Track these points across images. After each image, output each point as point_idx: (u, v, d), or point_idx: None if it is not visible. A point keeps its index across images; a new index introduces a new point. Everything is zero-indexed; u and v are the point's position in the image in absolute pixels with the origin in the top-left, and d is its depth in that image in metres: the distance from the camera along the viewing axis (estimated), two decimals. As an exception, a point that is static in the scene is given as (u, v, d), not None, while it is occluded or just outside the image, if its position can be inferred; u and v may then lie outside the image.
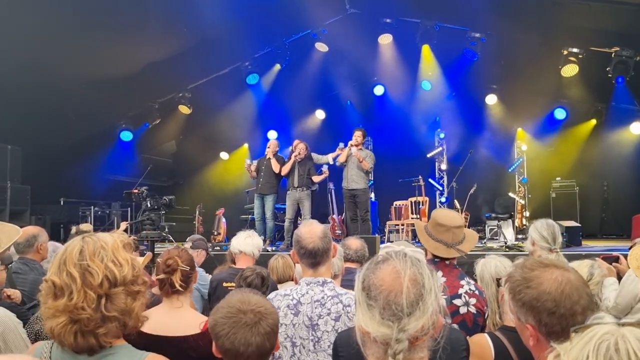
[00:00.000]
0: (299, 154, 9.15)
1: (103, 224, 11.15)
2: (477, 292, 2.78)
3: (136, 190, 9.91)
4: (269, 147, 9.60)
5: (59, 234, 10.34)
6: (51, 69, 9.08)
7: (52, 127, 10.31)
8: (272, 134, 14.07)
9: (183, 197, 13.61)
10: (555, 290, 1.54)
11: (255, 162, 9.61)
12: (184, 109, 12.52)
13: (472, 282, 2.82)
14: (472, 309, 2.71)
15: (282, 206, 10.04)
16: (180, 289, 2.54)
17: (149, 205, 9.65)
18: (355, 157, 8.74)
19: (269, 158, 9.44)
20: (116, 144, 12.32)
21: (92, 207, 11.34)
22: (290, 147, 9.56)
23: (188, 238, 5.91)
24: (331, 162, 9.36)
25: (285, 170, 9.28)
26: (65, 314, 1.55)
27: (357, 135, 8.95)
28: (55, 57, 8.87)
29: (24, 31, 8.10)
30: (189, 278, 2.61)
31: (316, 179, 9.35)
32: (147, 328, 1.77)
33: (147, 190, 9.78)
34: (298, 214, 9.29)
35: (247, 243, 4.27)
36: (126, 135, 12.30)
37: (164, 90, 12.16)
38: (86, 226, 7.57)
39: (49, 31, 8.36)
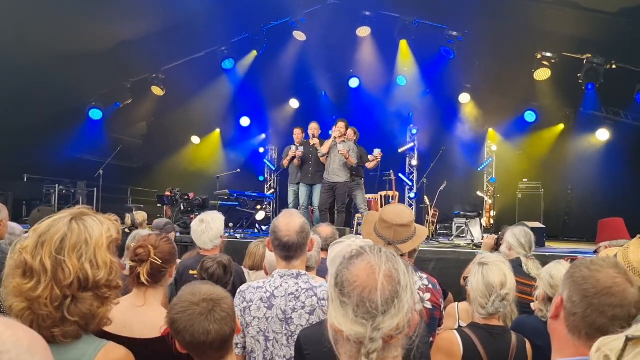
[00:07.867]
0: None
1: (67, 203, 10.88)
2: (430, 285, 2.76)
3: (169, 193, 9.61)
4: (313, 135, 8.68)
5: (22, 211, 10.10)
6: (18, 43, 8.81)
7: (18, 103, 10.00)
8: (245, 121, 13.98)
9: (152, 180, 13.42)
10: (604, 284, 1.46)
11: (300, 149, 8.75)
12: (157, 90, 12.29)
13: (424, 276, 2.79)
14: (428, 305, 2.68)
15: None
16: (145, 283, 2.23)
17: (182, 208, 9.33)
18: (341, 154, 8.22)
19: (315, 146, 8.59)
20: (85, 122, 12.04)
21: (57, 185, 11.03)
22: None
23: (154, 222, 5.70)
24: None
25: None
26: (26, 302, 1.48)
27: (340, 127, 8.37)
28: (23, 31, 8.61)
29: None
30: (160, 272, 2.30)
31: (369, 165, 8.87)
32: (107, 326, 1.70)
33: (179, 192, 9.49)
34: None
35: (195, 231, 3.70)
36: (96, 114, 12.04)
37: (137, 70, 11.91)
38: (141, 215, 6.63)
39: (16, 4, 8.09)
